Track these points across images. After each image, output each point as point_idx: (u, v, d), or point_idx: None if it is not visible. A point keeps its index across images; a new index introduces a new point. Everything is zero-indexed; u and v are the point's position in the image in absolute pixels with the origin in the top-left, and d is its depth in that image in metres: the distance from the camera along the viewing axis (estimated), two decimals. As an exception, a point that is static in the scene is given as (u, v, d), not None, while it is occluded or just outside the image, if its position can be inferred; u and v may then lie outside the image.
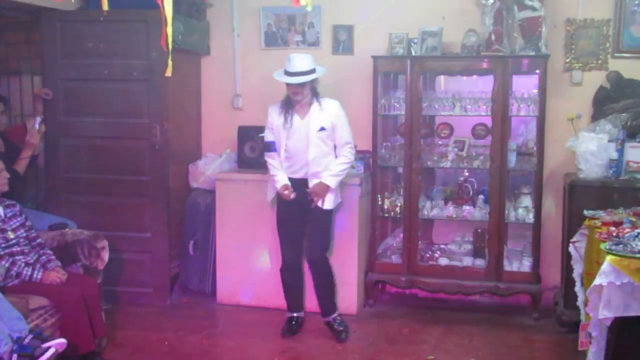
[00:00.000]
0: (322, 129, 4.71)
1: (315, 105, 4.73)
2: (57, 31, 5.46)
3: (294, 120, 4.75)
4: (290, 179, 4.82)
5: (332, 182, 4.74)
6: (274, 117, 4.82)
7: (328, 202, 4.81)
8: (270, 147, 4.87)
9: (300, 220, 4.90)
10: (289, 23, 5.97)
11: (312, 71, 4.65)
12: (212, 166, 5.81)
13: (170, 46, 2.83)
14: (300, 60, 4.63)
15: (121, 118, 5.47)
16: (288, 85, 4.67)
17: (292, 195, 4.78)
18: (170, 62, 2.93)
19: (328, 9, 5.85)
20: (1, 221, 4.21)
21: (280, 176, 4.82)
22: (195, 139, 6.22)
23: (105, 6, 2.51)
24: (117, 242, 5.25)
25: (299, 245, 4.99)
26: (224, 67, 6.17)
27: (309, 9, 2.62)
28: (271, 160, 4.87)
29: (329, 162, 4.78)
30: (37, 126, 4.92)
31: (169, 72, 2.99)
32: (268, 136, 4.89)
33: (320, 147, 4.74)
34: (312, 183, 4.77)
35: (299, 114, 4.76)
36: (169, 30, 2.75)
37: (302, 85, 4.63)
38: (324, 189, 4.74)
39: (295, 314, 5.08)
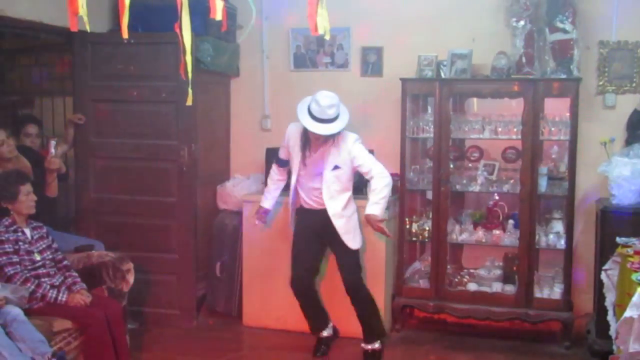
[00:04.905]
0: (336, 167, 4.61)
1: (330, 142, 4.60)
2: (88, 53, 5.53)
3: (310, 153, 4.68)
4: (307, 210, 4.83)
5: (377, 210, 4.52)
6: (293, 139, 4.76)
7: (354, 241, 4.76)
8: (278, 160, 4.98)
9: (315, 245, 4.89)
10: (318, 45, 5.96)
11: (338, 116, 4.53)
12: (239, 188, 5.81)
13: (189, 75, 2.82)
14: (330, 107, 4.47)
15: (150, 139, 5.51)
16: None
17: (257, 223, 5.12)
18: (190, 91, 2.92)
19: (357, 31, 5.84)
20: (28, 243, 4.25)
21: (266, 199, 5.05)
22: (224, 160, 6.24)
23: (125, 34, 2.51)
24: (144, 263, 5.27)
25: (310, 265, 4.92)
26: (253, 88, 6.19)
27: (327, 37, 2.59)
28: (271, 172, 5.05)
29: (347, 199, 4.72)
30: (52, 151, 4.92)
31: (189, 101, 2.98)
32: (280, 151, 4.95)
33: (335, 185, 4.65)
34: (331, 212, 4.69)
35: (314, 148, 4.67)
36: (188, 58, 2.74)
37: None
38: (375, 219, 4.52)
39: (322, 334, 5.03)
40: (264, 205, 5.06)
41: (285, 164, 4.94)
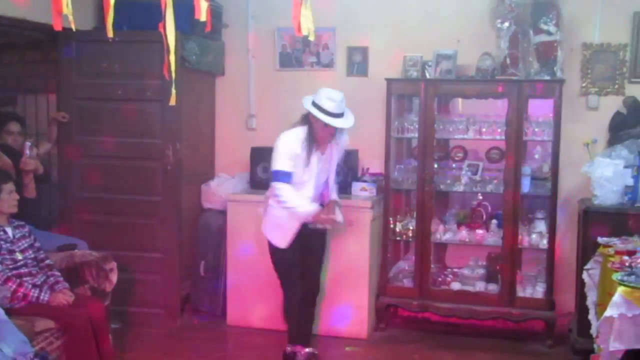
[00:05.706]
0: (338, 164, 4.76)
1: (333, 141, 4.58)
2: (72, 51, 5.49)
3: (314, 156, 4.51)
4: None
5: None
6: (297, 148, 4.42)
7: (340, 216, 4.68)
8: (287, 177, 4.41)
9: (308, 252, 4.77)
10: (303, 44, 5.96)
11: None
12: (224, 187, 5.80)
13: (173, 75, 2.82)
14: (342, 101, 4.44)
15: (134, 138, 5.48)
16: (328, 126, 4.38)
17: (330, 221, 4.56)
18: (174, 91, 2.91)
19: (343, 31, 5.85)
20: (10, 242, 4.21)
21: (308, 204, 4.50)
22: (209, 159, 6.22)
23: (110, 33, 2.50)
24: (128, 262, 5.26)
25: (317, 278, 4.93)
26: (238, 87, 6.18)
27: (311, 38, 2.59)
28: (287, 190, 4.41)
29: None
30: (27, 152, 4.85)
31: (172, 101, 2.97)
32: (286, 165, 4.41)
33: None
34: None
35: (320, 150, 4.54)
36: (172, 58, 2.73)
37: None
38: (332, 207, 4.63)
39: (313, 349, 4.83)
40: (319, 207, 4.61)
41: (291, 181, 4.46)
